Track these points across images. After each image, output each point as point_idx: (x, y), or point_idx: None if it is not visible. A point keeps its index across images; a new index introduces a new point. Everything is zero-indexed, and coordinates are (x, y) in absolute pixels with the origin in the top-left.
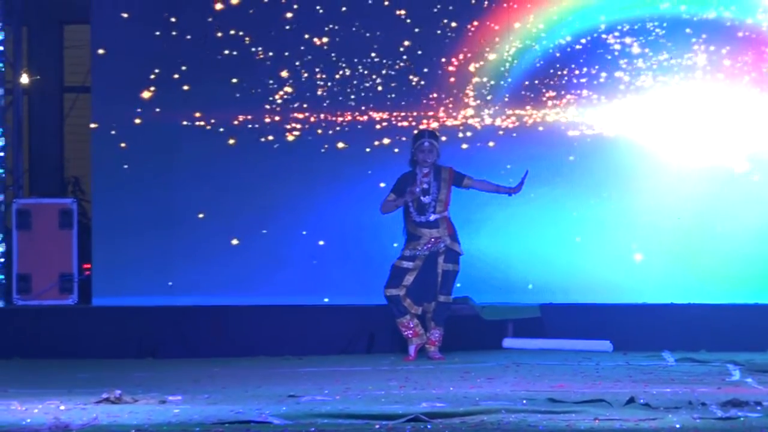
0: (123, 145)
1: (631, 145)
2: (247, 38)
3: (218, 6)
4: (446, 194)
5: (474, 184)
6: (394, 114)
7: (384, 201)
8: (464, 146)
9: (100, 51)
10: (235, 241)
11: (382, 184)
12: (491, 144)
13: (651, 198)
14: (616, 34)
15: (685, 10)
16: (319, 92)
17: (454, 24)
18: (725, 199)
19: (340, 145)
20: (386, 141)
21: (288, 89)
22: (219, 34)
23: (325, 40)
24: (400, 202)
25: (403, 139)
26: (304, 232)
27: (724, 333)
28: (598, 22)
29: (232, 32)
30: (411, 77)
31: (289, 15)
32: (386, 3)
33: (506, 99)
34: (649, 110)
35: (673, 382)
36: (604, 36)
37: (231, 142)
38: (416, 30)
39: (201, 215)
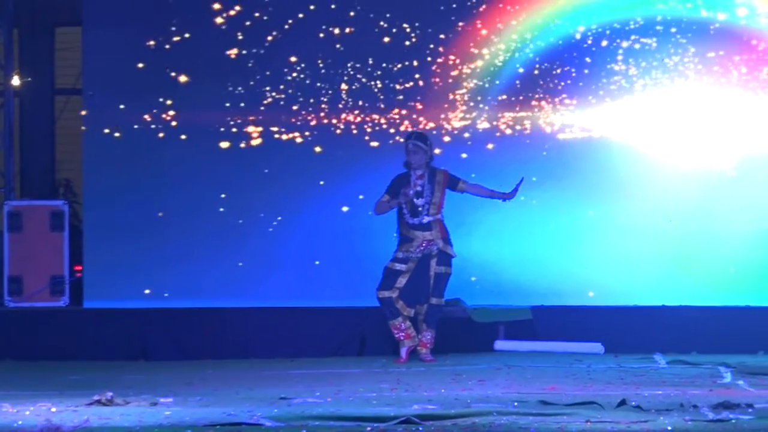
0: (114, 147)
1: (622, 148)
2: (238, 40)
3: (212, 8)
4: (440, 197)
5: (468, 188)
6: (386, 116)
7: (378, 202)
8: (455, 149)
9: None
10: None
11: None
12: (482, 147)
13: (643, 200)
14: (608, 35)
15: (676, 12)
16: (312, 95)
17: (443, 27)
18: (717, 202)
19: (332, 147)
20: (378, 143)
21: (280, 92)
22: (210, 37)
23: (315, 44)
24: (394, 204)
25: (394, 141)
26: (297, 235)
27: (716, 335)
28: (590, 24)
29: (223, 35)
30: (404, 80)
31: (281, 18)
32: (377, 7)
33: (497, 102)
34: (641, 113)
35: (664, 385)
36: (595, 38)
37: (222, 144)
38: (406, 34)
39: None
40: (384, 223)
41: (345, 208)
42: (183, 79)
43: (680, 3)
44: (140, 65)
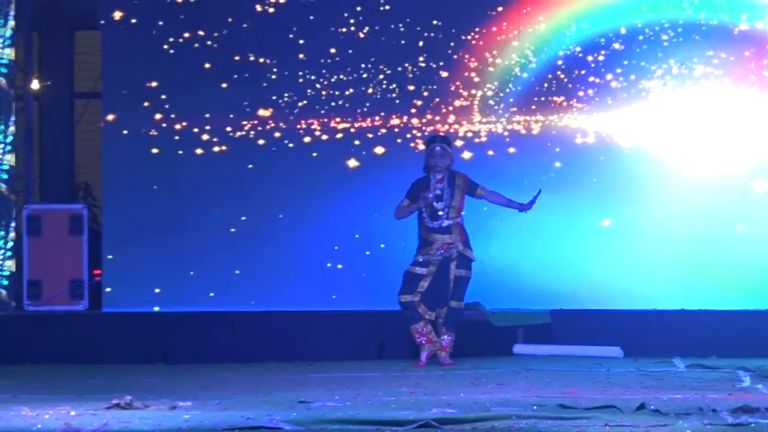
0: (133, 151)
1: (641, 152)
2: (255, 44)
3: (229, 12)
4: (459, 201)
5: (486, 195)
6: (404, 120)
7: (398, 206)
8: (472, 153)
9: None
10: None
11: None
12: (498, 151)
13: (661, 204)
14: (625, 39)
15: (695, 16)
16: (330, 99)
17: (462, 30)
18: (736, 206)
19: (351, 151)
20: (395, 147)
21: (298, 96)
22: (228, 40)
23: (332, 45)
24: (414, 208)
25: (411, 144)
26: (315, 239)
27: (735, 339)
28: (608, 28)
29: (242, 38)
30: (421, 83)
31: (294, 22)
32: (393, 8)
33: (515, 106)
34: (659, 117)
35: (683, 389)
36: (613, 42)
37: (241, 148)
38: (425, 36)
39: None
40: (403, 227)
41: (363, 212)
42: (202, 81)
43: (697, 6)
44: (159, 69)
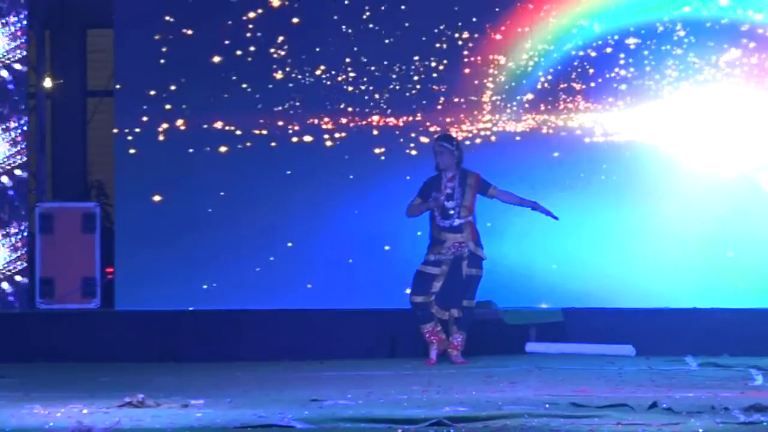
0: (146, 149)
1: (652, 151)
2: (268, 43)
3: (240, 11)
4: (471, 200)
5: (498, 194)
6: (414, 119)
7: (410, 204)
8: (481, 152)
9: (123, 56)
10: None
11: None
12: (509, 150)
13: (673, 203)
14: (638, 37)
15: (709, 13)
16: (339, 98)
17: (472, 27)
18: (748, 205)
19: (361, 150)
20: (405, 146)
21: (311, 95)
22: (241, 39)
23: (343, 44)
24: (424, 207)
25: (422, 143)
26: (326, 237)
27: (747, 337)
28: (620, 26)
29: (254, 37)
30: (430, 82)
31: (307, 20)
32: (403, 6)
33: (526, 104)
34: (672, 116)
35: (695, 387)
36: (626, 40)
37: (253, 147)
38: (434, 33)
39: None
40: (414, 226)
41: (374, 211)
42: (214, 80)
43: (711, 4)
44: (172, 68)
